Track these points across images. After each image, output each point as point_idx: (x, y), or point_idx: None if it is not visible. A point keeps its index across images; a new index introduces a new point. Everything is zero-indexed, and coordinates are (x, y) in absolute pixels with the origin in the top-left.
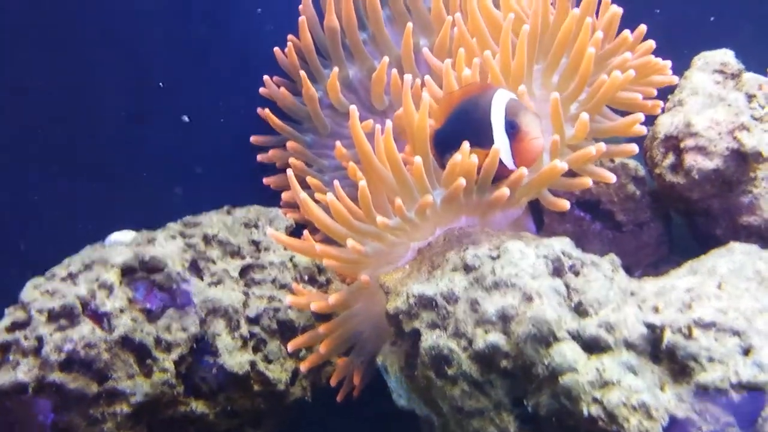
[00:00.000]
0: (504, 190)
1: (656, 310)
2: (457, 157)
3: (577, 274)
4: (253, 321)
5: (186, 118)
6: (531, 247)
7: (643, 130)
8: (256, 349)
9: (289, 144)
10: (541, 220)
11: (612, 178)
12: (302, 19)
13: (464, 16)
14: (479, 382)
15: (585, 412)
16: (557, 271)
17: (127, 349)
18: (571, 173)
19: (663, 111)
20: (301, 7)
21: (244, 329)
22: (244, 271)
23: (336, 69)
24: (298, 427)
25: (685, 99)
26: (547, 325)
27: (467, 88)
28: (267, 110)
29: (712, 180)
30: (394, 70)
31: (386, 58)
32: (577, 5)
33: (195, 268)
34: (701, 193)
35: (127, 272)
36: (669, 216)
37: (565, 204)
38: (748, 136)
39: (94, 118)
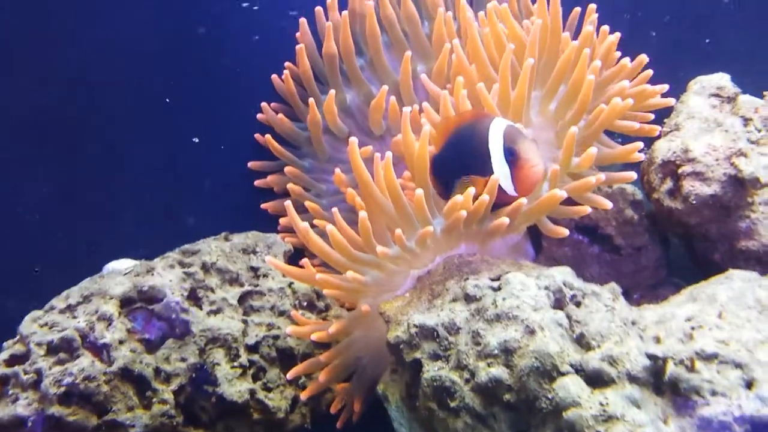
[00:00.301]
0: (503, 220)
1: (658, 340)
2: (458, 198)
3: (578, 305)
4: (253, 349)
5: (196, 140)
6: (532, 278)
7: (641, 156)
8: (255, 378)
9: (287, 169)
10: (539, 243)
11: (609, 204)
12: (300, 47)
13: (462, 41)
14: (482, 415)
15: None
16: (559, 303)
17: (127, 381)
18: (569, 200)
19: (660, 135)
20: (298, 34)
21: (244, 358)
22: (242, 298)
23: (333, 92)
24: None
25: (681, 123)
26: (550, 359)
27: (464, 115)
28: (268, 136)
29: (710, 205)
30: (393, 98)
31: (385, 87)
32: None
33: (194, 297)
34: (699, 218)
35: (126, 303)
36: (667, 239)
37: (564, 231)
38: (746, 162)
39: (91, 144)
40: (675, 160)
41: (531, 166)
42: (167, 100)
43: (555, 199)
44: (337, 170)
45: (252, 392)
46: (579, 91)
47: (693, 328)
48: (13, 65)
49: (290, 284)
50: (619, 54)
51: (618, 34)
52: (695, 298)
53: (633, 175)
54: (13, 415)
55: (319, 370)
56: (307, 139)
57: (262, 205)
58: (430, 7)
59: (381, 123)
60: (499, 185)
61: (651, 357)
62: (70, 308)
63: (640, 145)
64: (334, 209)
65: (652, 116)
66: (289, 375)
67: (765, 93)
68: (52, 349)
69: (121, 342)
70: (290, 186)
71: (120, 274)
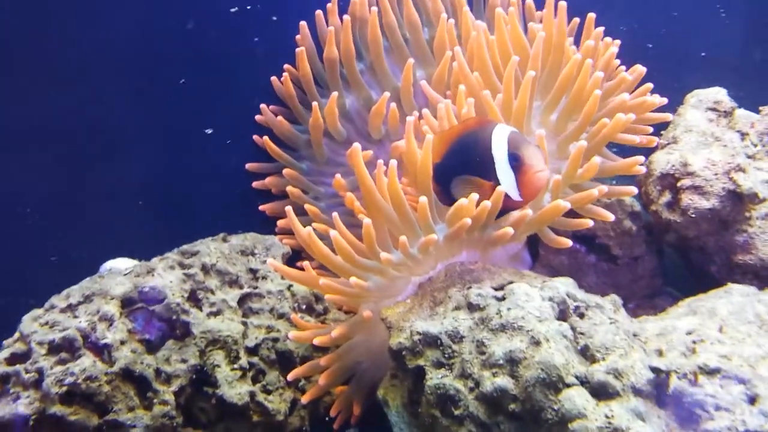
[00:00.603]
0: (508, 230)
1: (660, 353)
2: (463, 202)
3: (582, 316)
4: (252, 351)
5: (209, 131)
6: (536, 289)
7: (642, 170)
8: (255, 380)
9: (286, 171)
10: (536, 251)
11: (610, 217)
12: (301, 50)
13: (464, 48)
14: (486, 424)
15: None
16: (562, 314)
17: (128, 381)
18: (570, 211)
19: (656, 146)
20: (298, 37)
21: (244, 360)
22: (242, 300)
23: (335, 94)
24: None
25: (679, 136)
26: (556, 370)
27: (465, 123)
28: (266, 137)
29: (709, 219)
30: (393, 104)
31: (387, 93)
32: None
33: (194, 299)
34: (697, 231)
35: (127, 303)
36: (662, 249)
37: (567, 242)
38: (744, 178)
39: (89, 144)
40: (674, 174)
41: (536, 172)
42: (182, 80)
43: (558, 210)
44: (338, 175)
45: (252, 394)
46: (580, 103)
47: (695, 342)
48: (13, 64)
49: (289, 287)
50: (618, 62)
51: (618, 42)
52: (695, 311)
53: (634, 189)
54: (14, 413)
55: (318, 373)
56: (305, 142)
57: (261, 207)
58: (431, 14)
59: (380, 128)
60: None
61: (654, 370)
62: (71, 308)
63: (641, 159)
64: (335, 214)
65: (650, 129)
66: (290, 377)
67: (761, 108)
68: (53, 348)
69: (122, 342)
70: (289, 189)
71: (120, 274)
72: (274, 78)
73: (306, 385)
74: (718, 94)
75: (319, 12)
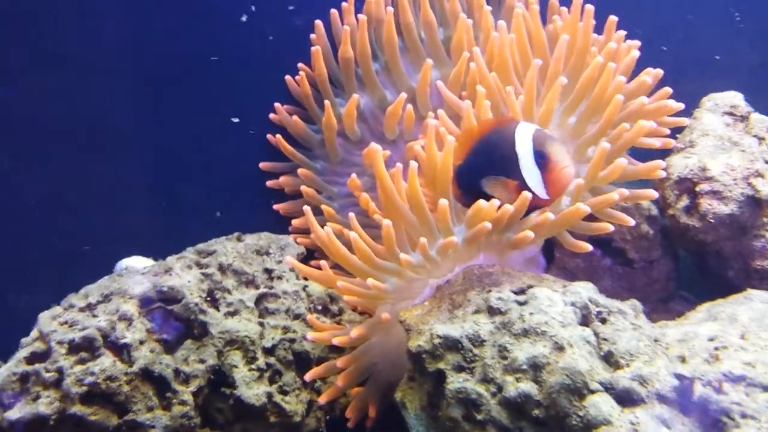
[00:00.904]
0: (528, 234)
1: (683, 359)
2: (483, 204)
3: (604, 321)
4: (269, 352)
5: (236, 120)
6: (558, 294)
7: (663, 174)
8: (272, 381)
9: (301, 171)
10: (551, 254)
11: (631, 221)
12: (316, 49)
13: (482, 48)
14: (509, 429)
15: None
16: (585, 319)
17: (147, 381)
18: (588, 215)
19: (672, 149)
20: (313, 36)
21: (261, 360)
22: (258, 301)
23: (356, 96)
24: None
25: (696, 140)
26: (581, 376)
27: (486, 123)
28: (279, 136)
29: (727, 224)
30: (410, 106)
31: (404, 95)
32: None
33: (211, 299)
34: (715, 236)
35: (145, 303)
36: (678, 253)
37: (587, 246)
38: (763, 183)
39: (104, 142)
40: (692, 178)
41: (562, 168)
42: (214, 58)
43: (579, 214)
44: (353, 175)
45: (269, 395)
46: (601, 106)
47: (717, 349)
48: (22, 61)
49: (305, 287)
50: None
51: (638, 43)
52: (715, 317)
53: (654, 193)
54: (35, 413)
55: (335, 374)
56: (319, 142)
57: (275, 206)
58: (448, 14)
59: (395, 129)
60: (530, 189)
61: (678, 377)
62: (90, 307)
63: (663, 163)
64: (351, 214)
65: (667, 132)
66: (307, 377)
67: None
68: (73, 347)
69: (141, 342)
70: (304, 188)
71: (138, 273)
72: (288, 77)
73: (321, 386)
74: (735, 98)
75: (334, 11)
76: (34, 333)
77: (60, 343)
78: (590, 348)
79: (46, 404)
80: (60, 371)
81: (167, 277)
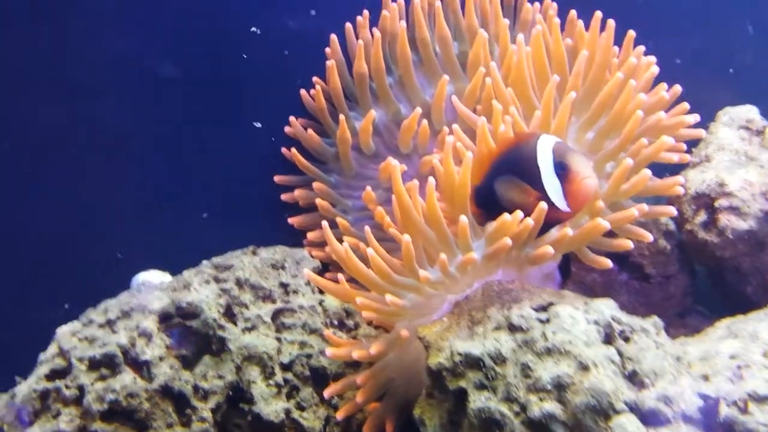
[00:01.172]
0: (548, 250)
1: (706, 378)
2: (505, 218)
3: (627, 340)
4: (287, 367)
5: (258, 125)
6: (580, 312)
7: (681, 191)
8: (289, 396)
9: (316, 185)
10: (568, 268)
11: (649, 237)
12: (331, 63)
13: (499, 62)
14: None
15: None
16: (608, 338)
17: (167, 398)
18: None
19: (687, 164)
20: (328, 50)
21: (279, 376)
22: (275, 315)
23: (373, 112)
24: None
25: (712, 154)
26: (606, 397)
27: (506, 141)
28: (294, 150)
29: (746, 240)
30: (425, 121)
31: (419, 110)
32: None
33: (229, 314)
34: (734, 252)
35: (164, 318)
36: (694, 268)
37: (608, 263)
38: None
39: (119, 157)
40: (710, 194)
41: (583, 179)
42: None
43: (599, 229)
44: (368, 188)
45: (287, 411)
46: (620, 123)
47: (740, 368)
48: (45, 72)
49: (321, 302)
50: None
51: (654, 59)
52: (736, 335)
53: (674, 210)
54: (56, 430)
55: (353, 390)
56: (333, 155)
57: (290, 220)
58: (464, 28)
59: (410, 143)
60: (551, 201)
61: (703, 397)
62: (110, 323)
63: (681, 180)
64: (367, 229)
65: (684, 147)
66: (326, 394)
67: None
68: (94, 364)
69: (160, 359)
70: (319, 202)
71: (156, 288)
72: (303, 91)
73: (338, 401)
74: (750, 112)
75: (348, 26)
76: (53, 349)
77: (80, 359)
78: (615, 367)
79: (66, 421)
80: (81, 388)
81: (186, 293)
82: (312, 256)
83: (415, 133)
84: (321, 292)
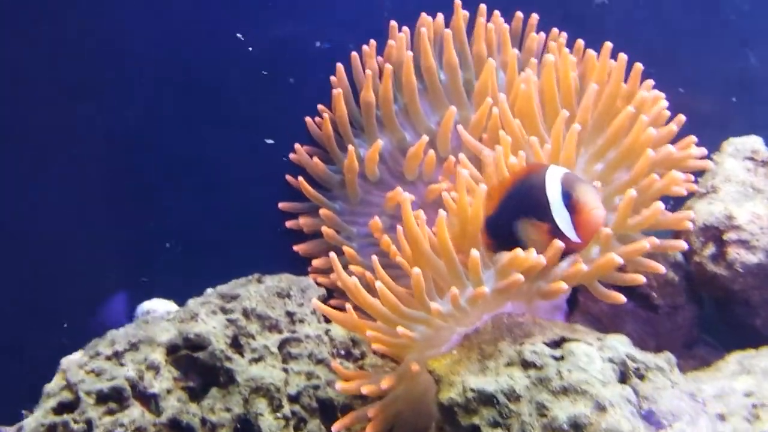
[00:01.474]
0: (561, 286)
1: (722, 417)
2: (520, 253)
3: (642, 378)
4: (294, 399)
5: (270, 141)
6: (595, 348)
7: (690, 225)
8: (297, 429)
9: (323, 212)
10: (575, 298)
11: (662, 269)
12: (338, 91)
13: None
14: None
15: None
16: (623, 376)
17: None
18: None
19: (692, 194)
20: (334, 79)
21: (287, 408)
22: (281, 345)
23: (380, 142)
24: None
25: (718, 186)
26: None
27: (517, 172)
28: (301, 178)
29: (755, 273)
30: (432, 151)
31: (425, 137)
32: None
33: (236, 345)
34: (743, 285)
35: (172, 350)
36: (701, 299)
37: (621, 298)
38: None
39: (125, 185)
40: (718, 226)
41: (591, 210)
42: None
43: (612, 264)
44: (376, 218)
45: None
46: (631, 158)
47: (755, 406)
48: (58, 109)
49: (327, 331)
50: None
51: (662, 94)
52: (749, 370)
53: (685, 245)
54: None
55: (361, 423)
56: (338, 182)
57: (295, 247)
58: (473, 56)
59: (416, 170)
60: (561, 231)
61: None
62: (117, 355)
63: (691, 215)
64: (374, 258)
65: (692, 178)
66: (335, 428)
67: None
68: (102, 397)
69: (168, 391)
70: (324, 230)
71: (163, 319)
72: (308, 119)
73: None
74: (756, 143)
75: (354, 54)
76: (59, 381)
77: (88, 393)
78: (632, 408)
79: None
80: (89, 423)
81: (193, 324)
82: (317, 284)
83: (421, 161)
84: (327, 320)
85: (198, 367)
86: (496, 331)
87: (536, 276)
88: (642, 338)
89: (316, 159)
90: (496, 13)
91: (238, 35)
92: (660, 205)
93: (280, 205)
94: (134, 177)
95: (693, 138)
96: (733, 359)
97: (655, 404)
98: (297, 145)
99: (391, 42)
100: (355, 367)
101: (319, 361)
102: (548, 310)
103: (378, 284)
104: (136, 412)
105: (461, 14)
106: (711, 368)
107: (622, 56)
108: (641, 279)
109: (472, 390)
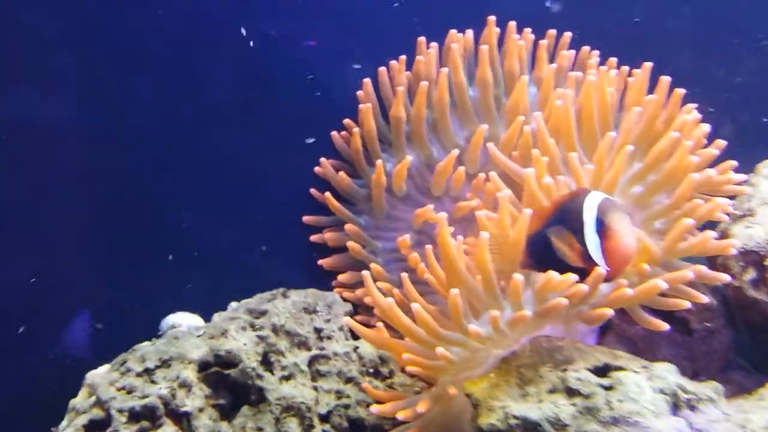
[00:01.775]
0: (607, 312)
1: None
2: (555, 276)
3: (693, 409)
4: (325, 419)
5: (311, 140)
6: (643, 377)
7: (734, 252)
8: None
9: (348, 227)
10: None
11: (704, 299)
12: (367, 106)
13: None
14: None
15: None
16: (675, 408)
17: None
18: None
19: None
20: (361, 93)
21: (318, 428)
22: (310, 363)
23: (409, 158)
24: None
25: (755, 209)
26: None
27: (562, 196)
28: (328, 194)
29: None
30: (461, 168)
31: (456, 151)
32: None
33: (267, 362)
34: None
35: (203, 367)
36: (737, 323)
37: (665, 326)
38: None
39: (147, 200)
40: (759, 251)
41: (619, 238)
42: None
43: (656, 289)
44: (407, 236)
45: None
46: (673, 181)
47: None
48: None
49: (355, 348)
50: None
51: (700, 116)
52: None
53: (728, 278)
54: None
55: None
56: (364, 196)
57: (320, 262)
58: (505, 72)
59: (443, 186)
60: (591, 256)
61: None
62: (148, 372)
63: (736, 243)
64: (406, 279)
65: (730, 203)
66: None
67: None
68: (134, 415)
69: (200, 410)
70: (350, 244)
71: (193, 335)
72: (334, 133)
73: None
74: None
75: (382, 69)
76: (87, 396)
77: (120, 411)
78: None
79: None
80: None
81: (223, 340)
82: (343, 299)
83: (449, 176)
84: (354, 336)
85: (228, 384)
86: (535, 355)
87: (579, 302)
88: (677, 361)
89: (342, 173)
90: (527, 30)
91: (250, 43)
92: (710, 234)
93: (305, 218)
94: (158, 187)
95: (733, 162)
96: None
97: None
98: (322, 159)
99: (419, 58)
100: (384, 386)
101: (349, 380)
102: (584, 332)
103: (414, 306)
104: (169, 430)
105: (494, 30)
106: (754, 396)
107: (664, 79)
108: (686, 304)
109: (515, 417)
